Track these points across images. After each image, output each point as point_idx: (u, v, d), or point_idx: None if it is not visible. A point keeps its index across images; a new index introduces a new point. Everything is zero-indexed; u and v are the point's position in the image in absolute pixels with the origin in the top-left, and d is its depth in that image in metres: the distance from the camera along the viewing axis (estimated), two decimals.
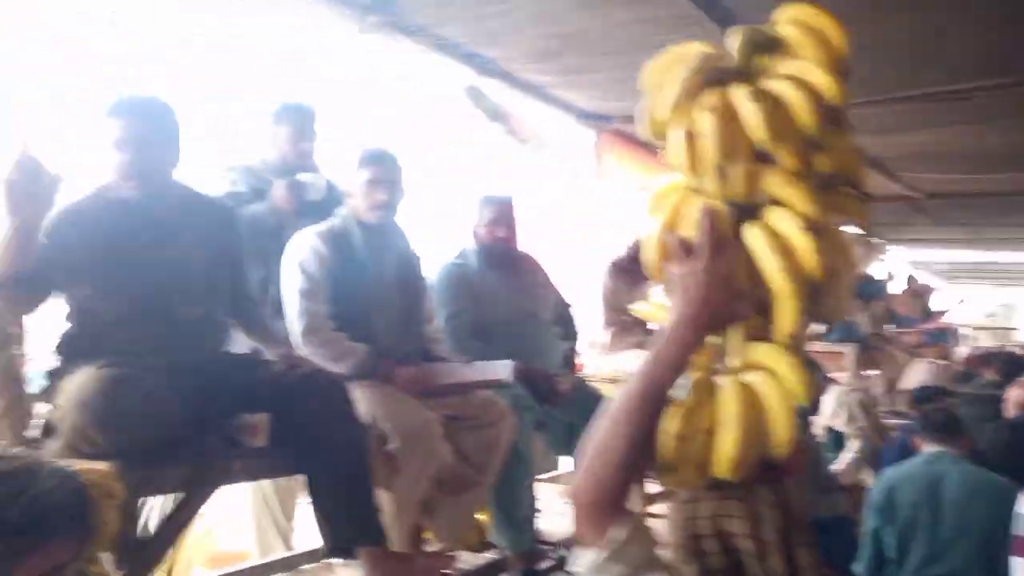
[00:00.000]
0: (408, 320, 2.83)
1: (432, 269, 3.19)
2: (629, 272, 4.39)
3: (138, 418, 1.92)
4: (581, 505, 1.14)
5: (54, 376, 2.09)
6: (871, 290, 6.85)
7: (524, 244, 3.63)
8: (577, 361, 4.04)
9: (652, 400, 1.14)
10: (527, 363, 2.90)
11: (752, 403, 1.20)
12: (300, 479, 2.96)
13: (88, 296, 2.15)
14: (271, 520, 3.01)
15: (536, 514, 3.01)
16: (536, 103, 5.46)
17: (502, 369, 2.72)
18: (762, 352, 1.24)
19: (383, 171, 2.76)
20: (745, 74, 1.26)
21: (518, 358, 2.81)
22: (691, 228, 1.22)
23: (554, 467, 4.11)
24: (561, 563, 2.89)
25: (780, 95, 1.20)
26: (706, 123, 1.20)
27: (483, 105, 4.79)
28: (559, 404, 3.00)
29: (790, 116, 1.20)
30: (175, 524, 2.07)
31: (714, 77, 1.25)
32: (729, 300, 1.18)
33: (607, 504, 1.13)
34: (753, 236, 1.22)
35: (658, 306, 1.35)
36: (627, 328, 4.26)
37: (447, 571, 2.69)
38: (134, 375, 1.96)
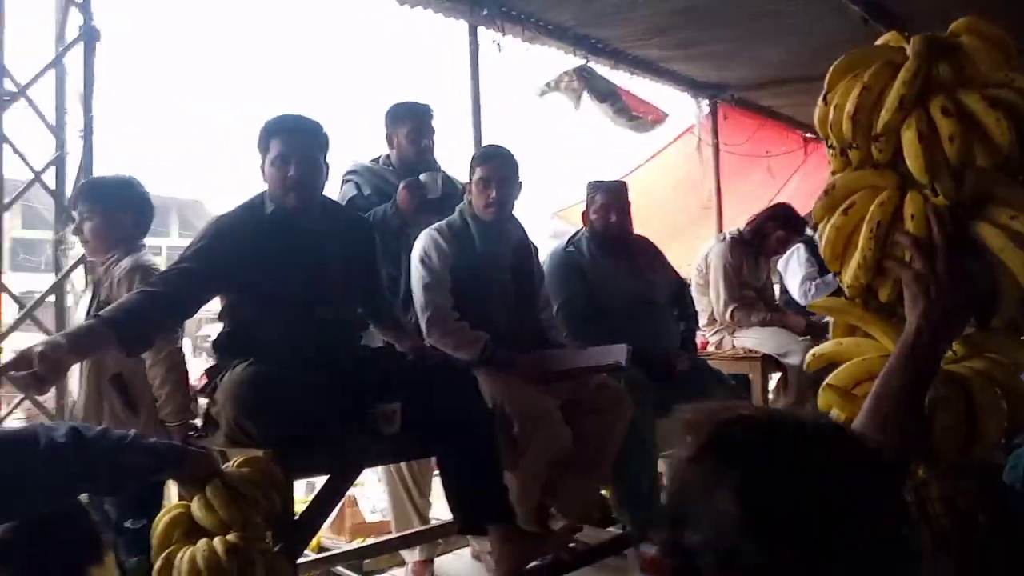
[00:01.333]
0: (525, 308, 2.95)
1: (547, 257, 3.27)
2: (751, 246, 4.32)
3: (285, 410, 2.11)
4: None
5: (212, 373, 2.34)
6: None
7: (637, 225, 3.66)
8: (699, 340, 4.03)
9: (911, 398, 1.13)
10: (644, 346, 2.94)
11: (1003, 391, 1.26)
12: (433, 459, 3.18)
13: (240, 298, 2.37)
14: (406, 496, 3.20)
15: (660, 490, 3.07)
16: (648, 79, 5.43)
17: (617, 353, 2.79)
18: (1004, 343, 1.30)
19: (495, 169, 2.87)
20: (946, 84, 1.29)
21: (634, 341, 2.86)
22: (916, 227, 1.24)
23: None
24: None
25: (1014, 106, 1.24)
26: (949, 128, 1.22)
27: (593, 84, 4.80)
28: (678, 385, 3.03)
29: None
30: (322, 504, 2.27)
31: (926, 85, 1.28)
32: (970, 299, 1.19)
33: None
34: (993, 234, 1.24)
35: (842, 303, 1.38)
36: (750, 304, 4.21)
37: (571, 544, 2.79)
38: (280, 371, 2.16)
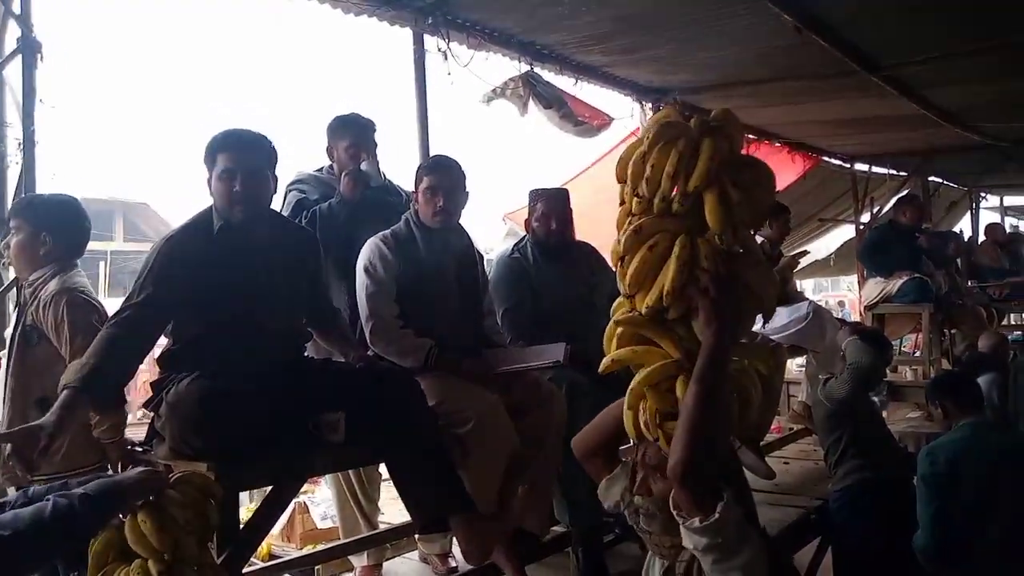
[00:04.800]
0: (469, 316, 3.03)
1: (493, 262, 3.34)
2: None
3: (229, 422, 2.17)
4: (686, 480, 1.50)
5: (156, 386, 2.36)
6: (941, 246, 6.57)
7: (587, 227, 3.74)
8: None
9: (719, 392, 1.58)
10: (584, 347, 3.03)
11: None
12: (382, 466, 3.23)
13: (187, 312, 2.38)
14: (353, 502, 3.25)
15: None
16: (593, 84, 5.53)
17: (556, 351, 2.87)
18: (743, 350, 1.78)
19: (442, 178, 2.94)
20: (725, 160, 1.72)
21: (575, 343, 2.94)
22: (711, 265, 1.65)
23: None
24: (623, 536, 3.04)
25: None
26: (737, 196, 1.66)
27: (539, 91, 4.88)
28: (614, 386, 3.12)
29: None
30: (266, 514, 2.32)
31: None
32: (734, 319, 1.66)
33: (705, 478, 1.51)
34: (748, 272, 1.74)
35: (639, 319, 1.74)
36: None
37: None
38: (224, 384, 2.21)
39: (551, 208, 3.42)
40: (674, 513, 1.54)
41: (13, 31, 3.27)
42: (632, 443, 1.81)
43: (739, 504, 1.56)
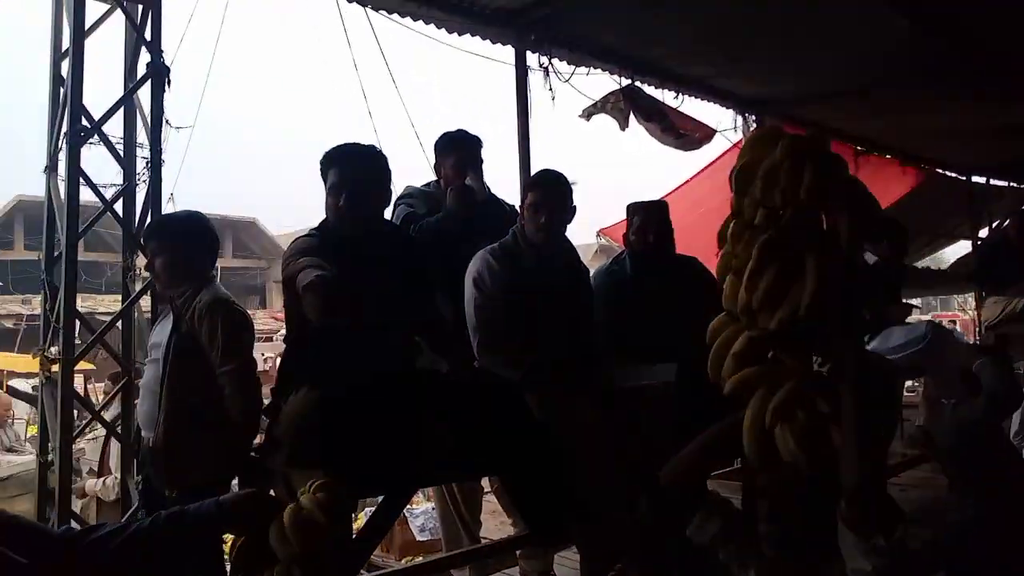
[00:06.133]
0: (574, 330, 3.00)
1: (592, 276, 3.31)
2: None
3: (344, 432, 2.20)
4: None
5: (276, 396, 2.43)
6: None
7: (688, 240, 3.66)
8: None
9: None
10: (689, 365, 2.95)
11: None
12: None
13: (304, 322, 2.42)
14: (456, 516, 3.25)
15: None
16: (694, 96, 5.45)
17: (666, 371, 2.81)
18: None
19: (547, 193, 2.95)
20: None
21: (678, 360, 2.87)
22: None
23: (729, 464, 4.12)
24: None
25: None
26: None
27: (640, 104, 4.84)
28: (717, 406, 3.03)
29: None
30: (378, 524, 2.35)
31: None
32: None
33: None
34: None
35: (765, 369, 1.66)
36: None
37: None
38: (340, 394, 2.25)
39: (648, 221, 3.37)
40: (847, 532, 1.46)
41: (145, 57, 3.49)
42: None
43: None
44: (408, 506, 5.97)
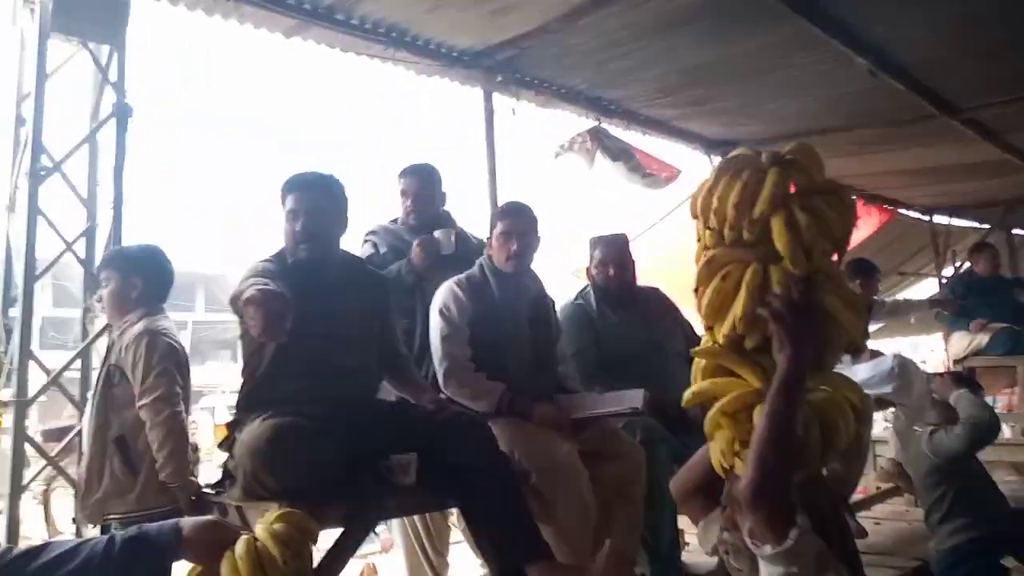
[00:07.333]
0: (542, 359, 2.97)
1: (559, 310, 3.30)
2: None
3: (301, 462, 2.13)
4: (755, 504, 1.46)
5: (232, 427, 2.37)
6: None
7: (656, 283, 3.68)
8: None
9: (790, 418, 1.52)
10: (658, 394, 2.93)
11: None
12: (452, 515, 3.15)
13: (259, 350, 2.40)
14: (422, 555, 3.17)
15: (682, 546, 3.01)
16: (660, 138, 5.54)
17: (634, 398, 2.78)
18: (830, 378, 1.71)
19: (516, 223, 2.95)
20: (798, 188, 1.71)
21: (648, 389, 2.86)
22: (782, 291, 1.61)
23: None
24: None
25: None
26: (805, 220, 1.63)
27: (606, 144, 4.90)
28: (693, 433, 3.00)
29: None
30: (336, 557, 2.27)
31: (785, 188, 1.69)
32: (815, 345, 1.61)
33: (779, 502, 1.46)
34: (829, 298, 1.67)
35: (718, 349, 1.72)
36: None
37: None
38: (296, 423, 2.18)
39: (608, 254, 3.40)
40: (748, 542, 1.47)
41: (109, 96, 3.49)
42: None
43: (823, 537, 1.48)
44: (379, 554, 5.81)
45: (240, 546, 1.70)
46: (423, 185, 3.30)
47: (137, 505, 2.46)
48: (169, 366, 2.55)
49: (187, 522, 1.68)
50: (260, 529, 1.77)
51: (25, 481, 3.30)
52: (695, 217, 1.78)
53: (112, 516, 2.46)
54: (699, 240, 1.79)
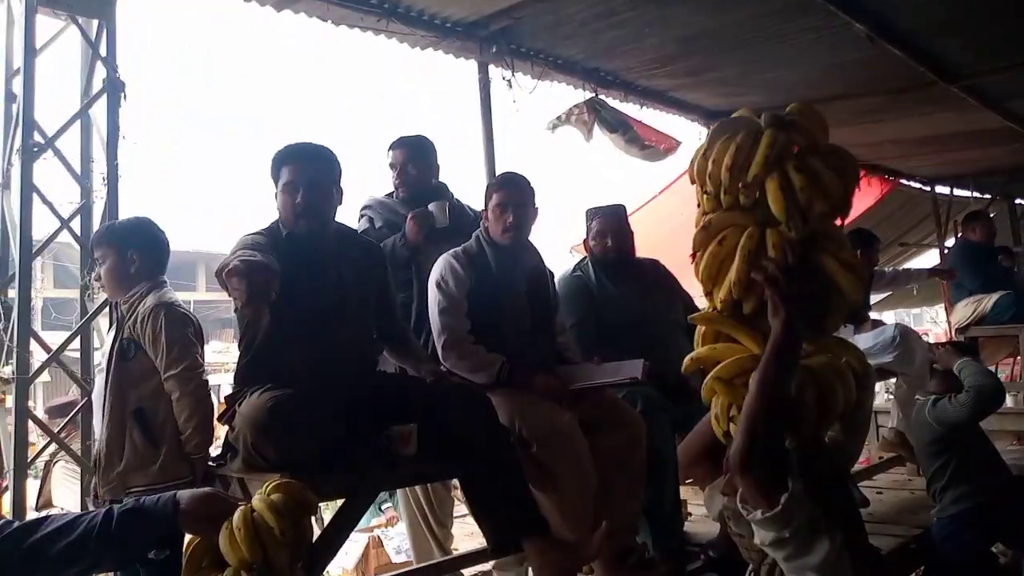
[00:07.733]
0: (541, 332, 2.96)
1: (557, 282, 3.29)
2: None
3: (301, 433, 2.14)
4: (744, 469, 1.46)
5: (230, 400, 2.37)
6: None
7: (656, 254, 3.67)
8: None
9: (782, 382, 1.52)
10: (657, 364, 2.93)
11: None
12: (454, 487, 3.16)
13: (255, 323, 2.38)
14: (425, 527, 3.18)
15: (684, 516, 3.02)
16: (659, 109, 5.49)
17: (633, 368, 2.77)
18: (831, 344, 1.72)
19: (512, 194, 2.92)
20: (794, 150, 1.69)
21: (648, 360, 2.85)
22: (776, 254, 1.61)
23: None
24: (710, 564, 2.89)
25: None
26: (800, 182, 1.62)
27: (604, 116, 4.86)
28: (693, 402, 3.00)
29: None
30: (339, 528, 2.27)
31: (781, 149, 1.67)
32: (812, 308, 1.61)
33: (769, 467, 1.46)
34: (827, 261, 1.67)
35: (716, 315, 1.73)
36: None
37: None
38: (296, 394, 2.18)
39: (606, 225, 3.39)
40: (739, 507, 1.48)
41: (101, 72, 3.45)
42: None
43: (815, 501, 1.48)
44: (383, 527, 5.86)
45: (237, 517, 1.70)
46: (411, 157, 3.28)
47: (160, 476, 2.46)
48: (190, 337, 2.56)
49: (184, 494, 1.70)
50: (257, 500, 1.77)
51: (31, 458, 3.32)
52: (693, 182, 1.77)
53: (135, 488, 2.45)
54: (699, 206, 1.78)
